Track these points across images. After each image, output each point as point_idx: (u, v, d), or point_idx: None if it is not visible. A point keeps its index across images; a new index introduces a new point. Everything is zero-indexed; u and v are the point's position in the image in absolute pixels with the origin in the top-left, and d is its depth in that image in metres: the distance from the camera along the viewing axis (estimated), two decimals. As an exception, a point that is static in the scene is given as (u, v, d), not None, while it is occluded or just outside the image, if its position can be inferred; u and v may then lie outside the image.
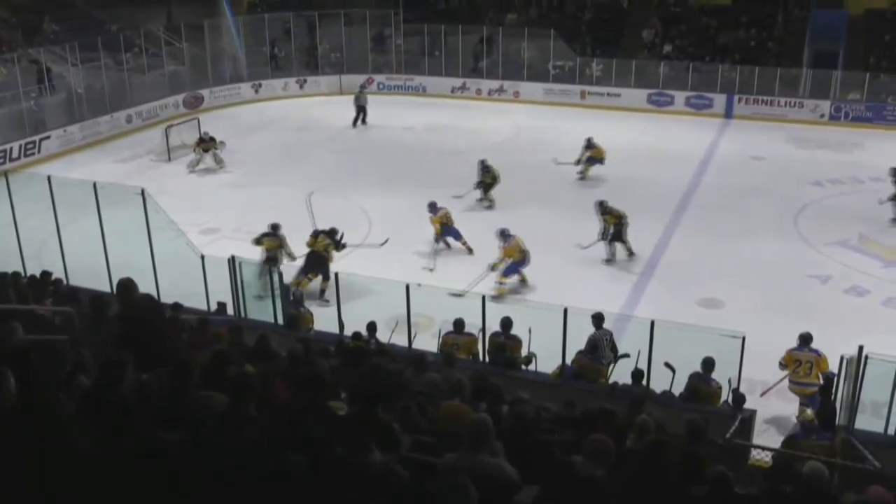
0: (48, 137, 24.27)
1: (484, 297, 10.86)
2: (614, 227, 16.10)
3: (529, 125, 26.96)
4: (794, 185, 20.51)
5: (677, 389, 9.81)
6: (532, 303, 10.88)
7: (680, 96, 28.42)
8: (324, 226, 15.58)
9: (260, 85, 30.96)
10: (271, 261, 14.50)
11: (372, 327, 10.74)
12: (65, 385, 5.18)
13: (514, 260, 14.83)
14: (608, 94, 29.25)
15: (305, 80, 31.24)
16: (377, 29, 32.77)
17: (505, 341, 10.78)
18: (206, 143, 22.66)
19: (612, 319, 11.37)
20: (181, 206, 18.14)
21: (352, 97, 27.63)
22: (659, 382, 9.81)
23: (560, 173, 21.22)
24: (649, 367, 9.86)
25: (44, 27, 28.98)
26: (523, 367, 10.56)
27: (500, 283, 14.72)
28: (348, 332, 11.02)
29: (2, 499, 3.65)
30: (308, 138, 25.77)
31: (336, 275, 11.79)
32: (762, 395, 10.78)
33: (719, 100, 27.99)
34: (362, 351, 9.07)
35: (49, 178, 13.75)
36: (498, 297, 13.95)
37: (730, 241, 16.78)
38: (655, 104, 28.65)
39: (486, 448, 4.91)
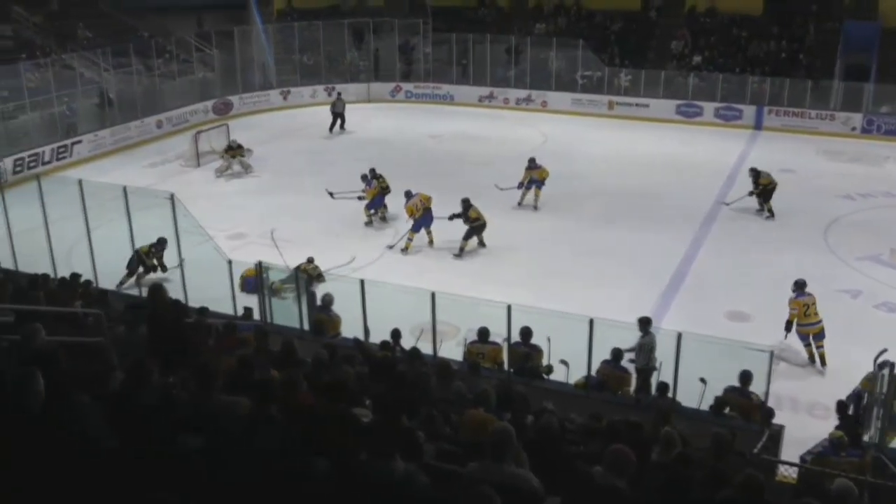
0: (80, 142, 24.59)
1: (510, 307, 10.80)
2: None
3: (556, 135, 26.90)
4: (825, 198, 20.29)
5: (703, 403, 9.71)
6: (555, 312, 10.79)
7: (709, 107, 28.23)
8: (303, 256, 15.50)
9: (289, 92, 31.16)
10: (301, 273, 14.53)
11: (396, 335, 10.73)
12: (95, 387, 5.21)
13: (416, 218, 17.05)
14: (636, 105, 29.13)
15: (334, 88, 31.40)
16: (405, 37, 32.89)
17: (526, 350, 10.74)
18: (234, 150, 22.85)
19: (637, 331, 11.28)
20: (209, 211, 18.33)
21: (382, 104, 27.72)
22: (685, 395, 9.71)
23: (584, 182, 21.15)
24: (675, 380, 9.76)
25: (77, 33, 29.37)
26: (545, 376, 10.53)
27: (409, 239, 17.08)
28: (372, 339, 11.04)
29: (27, 499, 3.67)
30: (335, 145, 25.90)
31: (362, 282, 11.79)
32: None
33: (749, 111, 27.76)
34: (389, 359, 9.06)
35: (80, 182, 13.91)
36: (406, 251, 16.96)
37: (758, 254, 16.63)
38: (684, 115, 28.48)
39: (511, 458, 4.88)
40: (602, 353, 10.50)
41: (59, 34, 28.62)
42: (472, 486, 4.49)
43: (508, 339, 10.94)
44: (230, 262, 14.80)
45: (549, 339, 10.60)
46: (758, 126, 27.49)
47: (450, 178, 20.57)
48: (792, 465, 8.08)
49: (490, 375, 9.62)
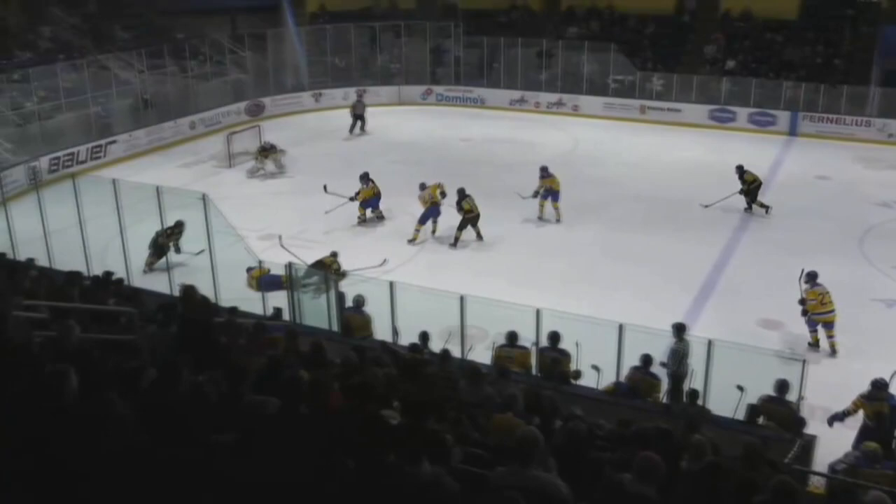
0: (115, 142, 24.90)
1: (539, 311, 10.78)
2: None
3: (587, 139, 26.80)
4: (860, 205, 20.00)
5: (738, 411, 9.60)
6: (584, 317, 10.75)
7: (742, 113, 27.95)
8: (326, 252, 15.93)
9: (320, 94, 31.32)
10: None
11: (424, 337, 10.74)
12: (127, 384, 5.26)
13: (424, 209, 17.79)
14: (668, 110, 28.90)
15: (365, 90, 31.50)
16: (437, 41, 32.94)
17: (554, 355, 10.69)
18: (268, 151, 23.03)
19: (668, 337, 11.20)
20: (241, 211, 18.48)
21: (413, 106, 27.78)
22: (716, 402, 9.61)
23: (615, 187, 21.05)
24: (706, 387, 9.67)
25: (114, 35, 29.74)
26: (573, 381, 10.48)
27: (416, 230, 17.74)
28: (401, 341, 11.06)
29: (59, 493, 3.71)
30: (366, 148, 25.96)
31: (391, 284, 11.81)
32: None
33: (783, 117, 27.44)
34: (418, 361, 9.06)
35: (114, 182, 14.08)
36: (413, 241, 17.68)
37: (791, 262, 16.31)
38: (717, 120, 28.23)
39: (538, 463, 4.86)
40: (632, 359, 10.43)
41: (96, 35, 28.99)
42: (498, 490, 4.49)
43: (537, 343, 10.91)
44: (261, 263, 14.95)
45: (577, 344, 10.55)
46: (792, 132, 27.16)
47: (479, 182, 20.51)
48: (825, 476, 7.97)
49: (518, 380, 9.59)
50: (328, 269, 14.97)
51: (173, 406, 4.88)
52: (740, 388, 9.53)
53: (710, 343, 9.76)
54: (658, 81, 29.57)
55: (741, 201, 19.61)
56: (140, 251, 15.34)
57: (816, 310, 13.10)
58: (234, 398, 5.34)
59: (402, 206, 19.12)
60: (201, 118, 27.81)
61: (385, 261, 16.09)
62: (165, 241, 15.82)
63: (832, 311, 13.05)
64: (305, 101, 31.24)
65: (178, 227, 15.98)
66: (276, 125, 27.71)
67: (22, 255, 14.25)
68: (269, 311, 12.71)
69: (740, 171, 19.68)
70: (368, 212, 19.18)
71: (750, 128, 27.69)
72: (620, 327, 10.26)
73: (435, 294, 11.58)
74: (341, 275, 15.03)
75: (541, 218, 19.05)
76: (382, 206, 19.39)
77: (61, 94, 24.33)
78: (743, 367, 9.91)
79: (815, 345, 13.31)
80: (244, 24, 32.01)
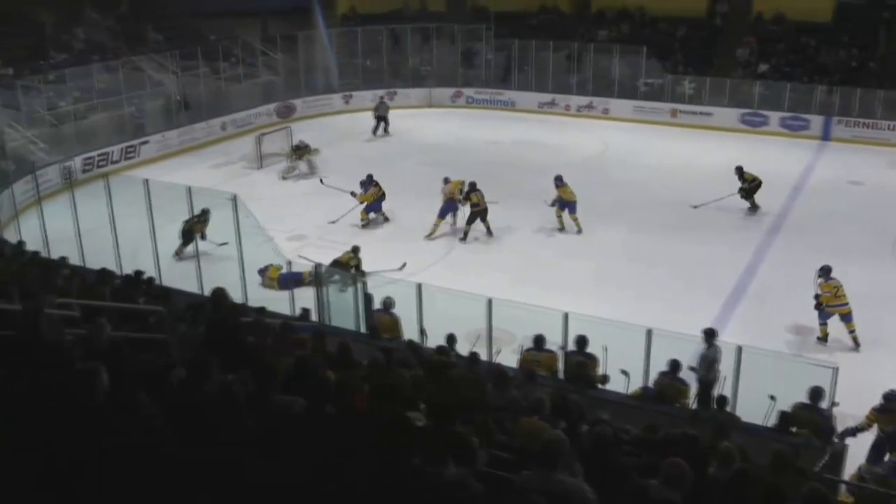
0: (147, 142, 25.18)
1: (566, 315, 10.73)
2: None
3: (617, 142, 26.67)
4: (894, 211, 19.71)
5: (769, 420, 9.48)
6: (612, 321, 10.69)
7: (775, 117, 27.67)
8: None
9: (351, 96, 31.46)
10: (342, 267, 15.21)
11: (451, 339, 10.73)
12: (156, 382, 5.31)
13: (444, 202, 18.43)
14: (700, 113, 28.69)
15: (395, 93, 31.60)
16: (467, 43, 32.95)
17: (581, 359, 10.64)
18: (301, 151, 23.22)
19: (697, 343, 11.11)
20: (270, 212, 18.60)
21: (442, 109, 27.80)
22: (745, 409, 9.51)
23: (645, 191, 20.93)
24: (735, 394, 9.58)
25: (147, 36, 30.09)
26: (600, 385, 10.42)
27: (434, 225, 18.26)
28: (429, 342, 11.06)
29: (86, 490, 3.75)
30: (396, 150, 26.03)
31: (419, 286, 11.83)
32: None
33: (816, 121, 27.14)
34: (444, 364, 9.06)
35: (146, 182, 14.23)
36: (430, 237, 18.16)
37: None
38: (749, 124, 27.97)
39: (564, 467, 4.84)
40: (659, 364, 10.36)
41: (130, 37, 29.35)
42: (524, 494, 4.47)
43: (564, 347, 10.86)
44: (289, 263, 15.05)
45: (605, 349, 10.49)
46: (825, 137, 26.85)
47: (508, 185, 20.52)
48: (856, 485, 7.86)
49: (545, 383, 9.55)
50: (346, 267, 15.19)
51: (201, 405, 4.92)
52: (772, 398, 9.40)
53: (739, 349, 9.66)
54: (689, 85, 29.37)
55: (767, 206, 19.43)
56: (171, 251, 15.51)
57: (831, 302, 13.38)
58: (261, 398, 5.37)
59: (432, 208, 19.15)
60: (232, 119, 28.04)
61: (404, 265, 16.10)
62: (192, 228, 16.31)
63: (846, 303, 13.31)
64: (336, 103, 31.40)
65: (204, 215, 16.47)
66: (306, 126, 27.86)
67: (55, 254, 14.45)
68: (297, 312, 12.78)
69: (740, 171, 19.84)
70: (371, 215, 19.23)
71: (782, 132, 27.41)
72: (648, 332, 10.18)
73: (462, 296, 11.57)
74: (360, 272, 15.17)
75: (560, 230, 18.57)
76: (389, 206, 19.55)
77: (95, 95, 24.70)
78: (773, 373, 9.81)
79: (823, 339, 13.53)
80: (276, 26, 32.26)
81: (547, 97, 31.17)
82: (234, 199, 13.48)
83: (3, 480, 3.21)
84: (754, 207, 19.77)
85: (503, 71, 32.57)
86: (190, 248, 16.16)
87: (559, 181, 18.54)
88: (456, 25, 32.75)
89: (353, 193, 19.28)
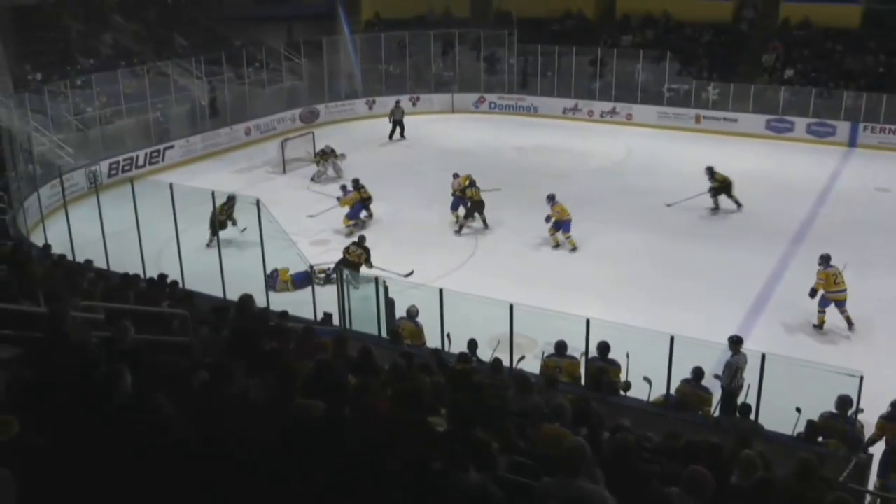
0: (172, 147, 25.40)
1: (588, 321, 10.68)
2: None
3: (641, 148, 26.55)
4: (923, 219, 19.48)
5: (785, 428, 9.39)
6: (634, 327, 10.63)
7: (801, 123, 27.44)
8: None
9: (374, 101, 31.52)
10: (347, 265, 15.38)
11: (473, 345, 10.72)
12: (179, 385, 5.35)
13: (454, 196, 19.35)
14: (724, 119, 28.51)
15: (418, 98, 31.66)
16: (491, 49, 32.97)
17: (603, 366, 10.58)
18: (328, 155, 23.47)
19: (721, 350, 11.03)
20: (294, 217, 18.72)
21: (465, 114, 27.81)
22: (768, 418, 9.42)
23: (669, 197, 20.82)
24: (759, 402, 9.49)
25: (173, 42, 30.37)
26: (623, 392, 10.36)
27: (456, 219, 19.14)
28: (452, 348, 11.06)
29: (110, 488, 3.78)
30: (419, 155, 26.07)
31: (441, 291, 11.83)
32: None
33: (843, 127, 26.88)
34: (466, 371, 9.04)
35: (171, 186, 14.33)
36: (459, 232, 18.84)
37: (850, 275, 15.97)
38: (774, 130, 27.76)
39: (585, 474, 4.81)
40: (682, 372, 10.29)
41: (156, 42, 29.66)
42: (544, 500, 4.45)
43: (586, 353, 10.81)
44: (312, 268, 15.10)
45: (627, 355, 10.43)
46: (852, 143, 26.59)
47: (531, 190, 20.46)
48: (882, 495, 7.76)
49: (567, 390, 9.52)
50: (356, 265, 15.48)
51: (223, 408, 4.94)
52: (798, 411, 9.28)
53: (763, 357, 9.57)
54: (714, 90, 29.18)
55: (793, 213, 19.26)
56: (195, 254, 15.60)
57: (829, 288, 13.93)
58: (282, 401, 5.39)
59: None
60: (256, 124, 28.22)
61: (411, 272, 16.06)
62: (221, 214, 17.06)
63: (844, 290, 13.90)
64: (359, 108, 31.51)
65: (231, 201, 17.60)
66: (329, 132, 27.95)
67: (80, 257, 14.58)
68: (319, 316, 12.82)
69: (710, 171, 20.18)
70: (353, 221, 19.22)
71: (808, 138, 27.18)
72: (671, 339, 10.11)
73: (484, 302, 11.55)
74: (369, 264, 15.62)
75: (556, 247, 18.03)
76: (412, 211, 19.86)
77: (122, 100, 24.94)
78: (797, 381, 9.70)
79: (819, 326, 14.07)
80: (300, 31, 32.46)
81: (570, 103, 31.10)
82: (258, 203, 13.55)
83: (30, 478, 3.25)
84: (717, 208, 20.17)
85: (526, 76, 32.54)
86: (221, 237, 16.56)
87: (551, 199, 18.18)
88: (480, 31, 32.76)
89: (338, 199, 19.51)
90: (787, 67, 29.41)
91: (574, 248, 17.83)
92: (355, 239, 16.42)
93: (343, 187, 19.77)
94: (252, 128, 28.05)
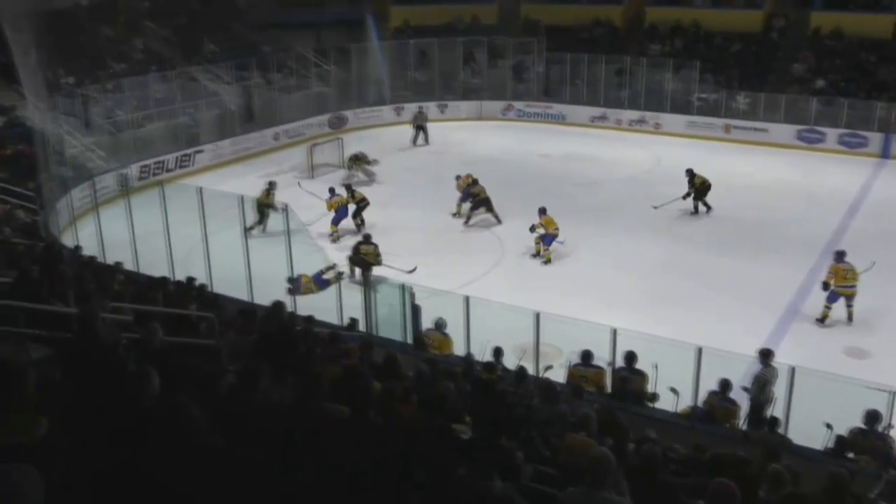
0: (201, 151, 25.62)
1: (615, 331, 10.61)
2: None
3: (669, 157, 26.35)
4: (956, 231, 19.17)
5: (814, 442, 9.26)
6: (661, 338, 10.55)
7: (832, 133, 27.15)
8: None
9: (402, 108, 31.57)
10: (364, 265, 15.93)
11: (498, 353, 10.69)
12: (205, 387, 5.37)
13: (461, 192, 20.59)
14: (754, 129, 28.27)
15: (446, 105, 31.70)
16: (519, 57, 32.94)
17: (629, 376, 10.51)
18: (359, 160, 23.78)
19: (749, 362, 10.92)
20: (320, 222, 18.80)
21: (493, 122, 27.80)
22: (797, 431, 9.31)
23: (688, 209, 20.69)
24: (787, 415, 9.38)
25: (203, 47, 30.64)
26: (649, 403, 10.28)
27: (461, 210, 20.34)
28: (479, 356, 11.03)
29: (138, 491, 3.80)
30: (445, 162, 26.08)
31: (467, 298, 11.81)
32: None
33: (875, 139, 26.54)
34: (491, 380, 9.03)
35: (200, 190, 14.45)
36: (467, 223, 19.95)
37: (881, 291, 15.75)
38: (805, 141, 27.47)
39: (610, 485, 4.77)
40: (709, 383, 10.20)
41: (186, 47, 29.92)
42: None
43: (613, 363, 10.75)
44: (340, 273, 15.15)
45: (656, 366, 10.34)
46: (885, 154, 26.24)
47: (558, 199, 20.42)
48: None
49: (593, 399, 9.47)
50: (369, 262, 15.91)
51: (249, 411, 4.96)
52: (829, 427, 9.14)
53: (792, 370, 9.46)
54: (744, 100, 28.95)
55: (823, 224, 19.04)
56: (223, 258, 15.71)
57: (840, 283, 14.55)
58: (308, 405, 5.40)
59: (484, 221, 19.09)
60: (285, 129, 28.40)
61: (415, 268, 16.14)
62: (267, 201, 18.43)
63: (853, 286, 14.52)
64: (386, 115, 31.59)
65: (272, 187, 19.06)
66: (356, 137, 28.10)
67: (110, 259, 14.73)
68: (345, 322, 12.85)
69: (690, 174, 20.64)
70: (338, 227, 19.25)
71: (840, 149, 26.88)
72: (699, 350, 10.03)
73: (509, 309, 11.53)
74: (379, 262, 15.99)
75: (534, 256, 17.90)
76: (436, 218, 20.04)
77: (152, 105, 25.18)
78: (826, 396, 9.58)
79: (822, 320, 14.69)
80: (329, 38, 32.61)
81: (598, 111, 30.98)
82: (286, 208, 13.63)
83: (58, 477, 3.27)
84: (697, 211, 20.64)
85: (554, 84, 32.48)
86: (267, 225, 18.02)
87: (541, 212, 18.07)
88: (508, 38, 32.75)
89: (326, 200, 19.67)
90: (819, 77, 29.12)
91: (548, 261, 17.69)
92: (360, 237, 16.98)
93: (331, 190, 19.83)
94: (280, 133, 28.23)
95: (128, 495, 3.71)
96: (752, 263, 17.23)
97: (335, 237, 18.92)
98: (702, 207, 20.61)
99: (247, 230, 16.61)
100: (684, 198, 20.45)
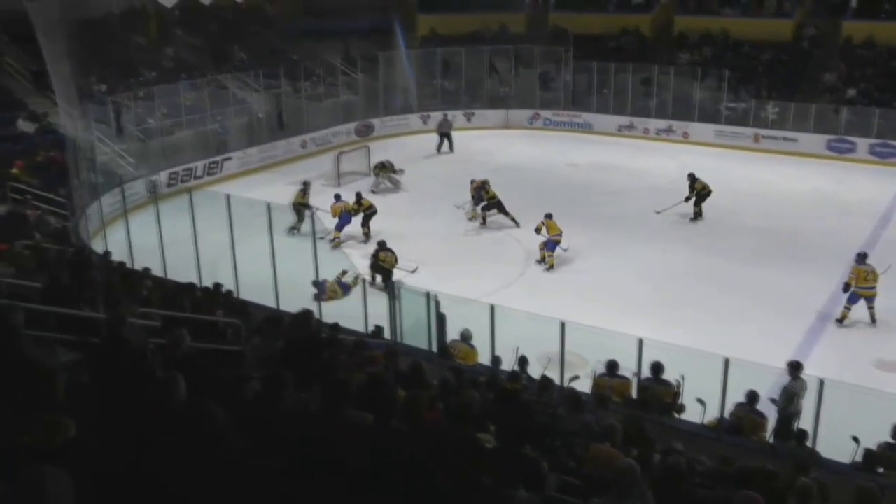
0: (230, 158, 25.83)
1: (641, 341, 10.54)
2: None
3: (697, 167, 26.06)
4: None
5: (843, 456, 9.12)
6: (688, 348, 10.46)
7: (863, 143, 26.84)
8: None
9: (428, 116, 31.61)
10: (384, 272, 16.37)
11: (523, 362, 10.66)
12: (231, 393, 5.40)
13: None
14: (784, 139, 28.01)
15: (473, 113, 31.73)
16: (546, 65, 32.91)
17: (655, 386, 10.43)
18: (386, 168, 23.93)
19: (777, 374, 10.80)
20: (347, 230, 18.87)
21: (520, 130, 27.77)
22: (825, 445, 9.18)
23: (726, 216, 20.53)
24: (816, 428, 9.26)
25: (233, 55, 30.93)
26: (676, 414, 10.19)
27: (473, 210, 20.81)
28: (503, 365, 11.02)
29: (164, 495, 3.82)
30: (472, 170, 26.01)
31: (492, 307, 11.79)
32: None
33: (907, 149, 26.23)
34: (516, 389, 8.99)
35: (228, 197, 14.55)
36: (483, 224, 20.53)
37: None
38: (835, 151, 27.18)
39: (635, 496, 4.74)
40: (736, 395, 10.09)
41: (216, 56, 30.21)
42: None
43: (638, 373, 10.67)
44: (364, 280, 15.19)
45: (683, 377, 10.25)
46: (917, 164, 25.94)
47: (585, 207, 20.39)
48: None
49: (618, 410, 9.41)
50: (388, 269, 16.30)
51: (274, 418, 4.98)
52: (856, 440, 9.01)
53: (821, 382, 9.35)
54: (773, 109, 28.70)
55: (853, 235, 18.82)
56: (250, 265, 15.83)
57: (860, 284, 14.75)
58: (333, 413, 5.41)
59: (511, 233, 19.05)
60: (312, 137, 28.56)
61: (416, 268, 16.15)
62: (304, 200, 19.08)
63: (874, 287, 14.72)
64: (413, 123, 31.68)
65: (306, 187, 19.86)
66: (384, 146, 28.17)
67: (139, 265, 14.86)
68: (370, 329, 12.88)
69: (692, 178, 20.91)
70: (341, 233, 19.19)
71: (871, 159, 26.57)
72: (726, 361, 9.93)
73: (534, 318, 11.49)
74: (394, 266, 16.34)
75: (538, 261, 18.00)
76: (460, 226, 20.25)
77: (182, 112, 25.44)
78: (856, 409, 9.46)
79: (841, 320, 14.90)
80: (357, 46, 32.77)
81: (625, 120, 30.86)
82: (313, 215, 13.70)
83: (86, 480, 3.31)
84: (696, 216, 20.74)
85: (582, 93, 32.41)
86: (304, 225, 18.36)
87: (547, 217, 18.12)
88: (535, 47, 32.75)
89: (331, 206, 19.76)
90: (850, 87, 28.80)
91: (551, 268, 17.71)
92: (375, 245, 17.16)
93: (337, 196, 19.85)
94: (308, 141, 28.39)
95: (153, 499, 3.74)
96: (781, 275, 17.05)
97: (336, 243, 18.90)
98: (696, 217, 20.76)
99: (289, 230, 17.82)
100: (686, 200, 20.51)
